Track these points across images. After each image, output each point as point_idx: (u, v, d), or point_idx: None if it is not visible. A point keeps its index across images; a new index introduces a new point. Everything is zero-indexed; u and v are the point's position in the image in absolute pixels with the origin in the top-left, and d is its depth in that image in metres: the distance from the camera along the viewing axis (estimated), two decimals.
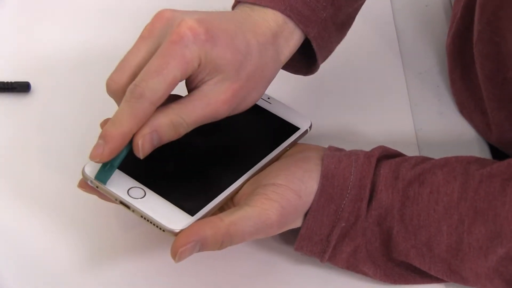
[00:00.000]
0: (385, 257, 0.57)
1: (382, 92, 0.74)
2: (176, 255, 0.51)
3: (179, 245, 0.51)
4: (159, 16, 0.53)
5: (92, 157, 0.52)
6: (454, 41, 0.72)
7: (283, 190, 0.54)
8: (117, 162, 0.52)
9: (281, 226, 0.55)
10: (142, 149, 0.51)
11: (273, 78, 0.58)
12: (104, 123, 0.56)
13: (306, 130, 0.62)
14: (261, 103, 0.64)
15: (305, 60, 0.63)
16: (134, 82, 0.51)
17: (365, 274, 0.57)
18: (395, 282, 0.57)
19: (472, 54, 0.67)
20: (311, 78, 0.68)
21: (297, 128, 0.62)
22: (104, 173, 0.53)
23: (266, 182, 0.55)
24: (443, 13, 0.81)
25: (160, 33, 0.53)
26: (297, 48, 0.59)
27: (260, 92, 0.58)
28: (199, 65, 0.52)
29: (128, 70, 0.53)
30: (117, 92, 0.53)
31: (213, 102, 0.53)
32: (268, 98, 0.64)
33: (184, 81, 0.54)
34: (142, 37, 0.53)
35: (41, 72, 0.74)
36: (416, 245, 0.55)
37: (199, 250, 0.51)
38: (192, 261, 0.58)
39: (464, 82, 0.71)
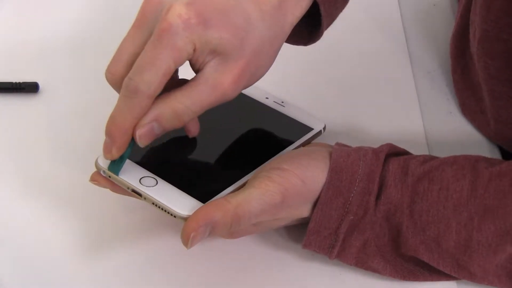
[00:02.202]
0: (394, 253, 0.56)
1: (391, 92, 0.74)
2: (188, 240, 0.51)
3: (190, 230, 0.51)
4: (148, 1, 0.52)
5: (105, 156, 0.53)
6: (455, 41, 0.72)
7: (287, 174, 0.54)
8: (127, 153, 0.53)
9: (285, 209, 0.54)
10: (140, 139, 0.52)
11: (282, 44, 0.56)
12: None
13: (320, 131, 0.63)
14: (276, 107, 0.65)
15: (307, 30, 0.61)
16: (128, 75, 0.51)
17: (374, 270, 0.57)
18: (404, 278, 0.57)
19: (471, 54, 0.66)
20: (320, 78, 0.68)
21: (310, 129, 0.63)
22: (115, 165, 0.54)
23: (271, 167, 0.55)
24: (451, 12, 0.81)
25: (151, 19, 0.52)
26: (306, 10, 0.56)
27: (270, 63, 0.56)
28: (194, 50, 0.51)
29: (124, 60, 0.52)
30: (116, 83, 0.53)
31: (218, 85, 0.52)
32: (282, 102, 0.66)
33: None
34: (134, 25, 0.53)
35: (49, 72, 0.74)
36: (425, 241, 0.55)
37: (209, 235, 0.51)
38: (198, 256, 0.59)
39: (465, 81, 0.71)
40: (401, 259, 0.57)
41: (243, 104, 0.65)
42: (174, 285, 0.58)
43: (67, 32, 0.79)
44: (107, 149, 0.53)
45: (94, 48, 0.78)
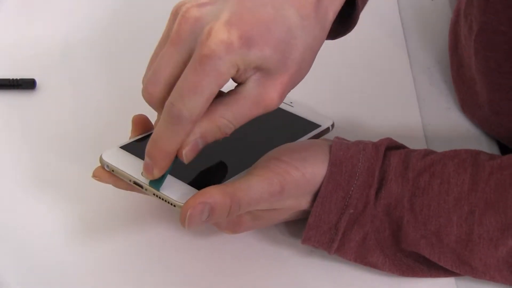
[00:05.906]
0: (394, 247, 0.56)
1: (389, 87, 0.74)
2: (185, 219, 0.50)
3: (187, 207, 0.50)
4: (185, 18, 0.50)
5: (146, 176, 0.53)
6: (451, 36, 0.72)
7: (285, 165, 0.54)
8: (168, 171, 0.53)
9: (284, 199, 0.54)
10: (186, 156, 0.51)
11: (322, 44, 0.53)
12: (137, 118, 0.58)
13: (328, 128, 0.64)
14: (285, 107, 0.66)
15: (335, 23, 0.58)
16: (170, 100, 0.49)
17: (373, 265, 0.57)
18: (402, 273, 0.57)
19: (462, 47, 0.66)
20: (318, 74, 0.67)
21: (318, 126, 0.63)
22: (157, 181, 0.53)
23: (270, 157, 0.55)
24: (449, 8, 0.81)
25: (189, 37, 0.49)
26: (343, 1, 0.53)
27: (310, 66, 0.53)
28: (237, 71, 0.49)
29: (162, 81, 0.51)
30: (155, 104, 0.52)
31: (261, 100, 0.51)
32: (291, 102, 0.66)
33: None
34: (172, 43, 0.50)
35: (47, 68, 0.74)
36: (426, 235, 0.55)
37: (208, 218, 0.51)
38: (197, 251, 0.59)
39: (460, 76, 0.71)
40: (400, 254, 0.56)
41: None
42: (173, 279, 0.58)
43: (64, 28, 0.79)
44: (148, 170, 0.52)
45: (91, 45, 0.78)
